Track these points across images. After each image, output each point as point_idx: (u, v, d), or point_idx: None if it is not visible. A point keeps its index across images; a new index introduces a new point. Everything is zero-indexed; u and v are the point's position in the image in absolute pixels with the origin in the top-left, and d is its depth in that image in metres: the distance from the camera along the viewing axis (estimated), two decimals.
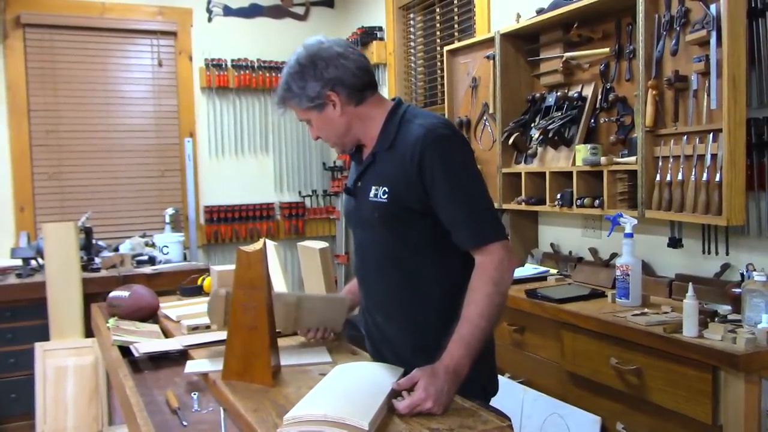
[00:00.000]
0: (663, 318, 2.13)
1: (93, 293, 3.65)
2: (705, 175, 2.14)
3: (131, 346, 2.11)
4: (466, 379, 1.48)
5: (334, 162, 5.27)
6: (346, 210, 1.83)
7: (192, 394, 1.76)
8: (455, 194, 1.55)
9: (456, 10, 4.00)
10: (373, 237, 1.71)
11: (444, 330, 1.54)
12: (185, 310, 2.51)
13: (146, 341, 2.18)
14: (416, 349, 1.67)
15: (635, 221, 2.39)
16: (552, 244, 3.21)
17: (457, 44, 3.55)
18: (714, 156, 2.12)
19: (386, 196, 1.61)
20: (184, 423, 1.61)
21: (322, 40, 1.67)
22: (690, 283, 2.01)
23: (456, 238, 1.57)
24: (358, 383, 1.54)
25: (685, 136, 2.24)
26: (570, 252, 3.09)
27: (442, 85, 3.95)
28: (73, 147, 4.59)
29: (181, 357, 2.06)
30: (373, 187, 1.65)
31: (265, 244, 1.73)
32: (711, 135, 2.12)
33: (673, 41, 2.27)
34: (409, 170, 1.57)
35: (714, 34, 2.05)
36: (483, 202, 1.58)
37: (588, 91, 2.83)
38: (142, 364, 2.12)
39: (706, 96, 2.14)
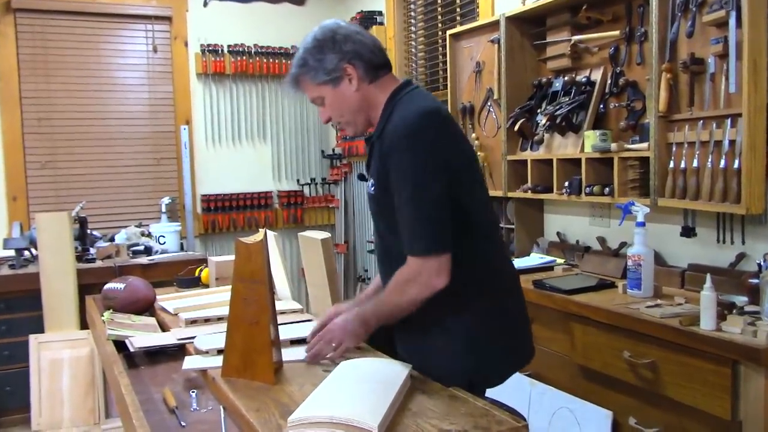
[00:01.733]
0: (678, 310, 2.06)
1: (88, 284, 3.59)
2: (722, 162, 2.06)
3: (126, 341, 2.04)
4: (450, 370, 1.55)
5: (333, 149, 5.19)
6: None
7: (191, 392, 1.69)
8: (404, 198, 1.53)
9: None
10: (378, 227, 1.74)
11: (446, 321, 1.61)
12: (183, 303, 2.43)
13: (142, 335, 2.10)
14: (421, 339, 1.67)
15: (647, 210, 2.32)
16: (558, 233, 3.13)
17: (460, 28, 3.46)
18: (732, 142, 2.04)
19: (373, 188, 1.64)
20: (183, 423, 1.54)
21: (338, 21, 1.69)
22: (708, 274, 1.93)
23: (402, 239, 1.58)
24: (365, 381, 1.47)
25: (701, 122, 2.16)
26: (577, 241, 3.02)
27: (444, 70, 3.86)
28: (67, 135, 4.48)
29: (178, 352, 1.99)
30: (370, 178, 1.68)
31: (265, 234, 1.66)
32: (729, 120, 2.04)
33: (689, 22, 2.19)
34: (383, 165, 1.57)
35: (733, 14, 1.96)
36: (425, 211, 1.52)
37: (597, 76, 2.75)
38: (138, 360, 2.05)
39: (724, 79, 2.06)
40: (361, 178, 1.79)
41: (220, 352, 1.66)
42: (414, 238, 1.54)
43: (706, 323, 1.88)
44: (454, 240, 1.55)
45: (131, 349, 1.96)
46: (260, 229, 2.32)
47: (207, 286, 2.79)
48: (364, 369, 1.56)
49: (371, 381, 1.47)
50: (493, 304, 1.65)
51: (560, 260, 2.94)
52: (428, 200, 1.52)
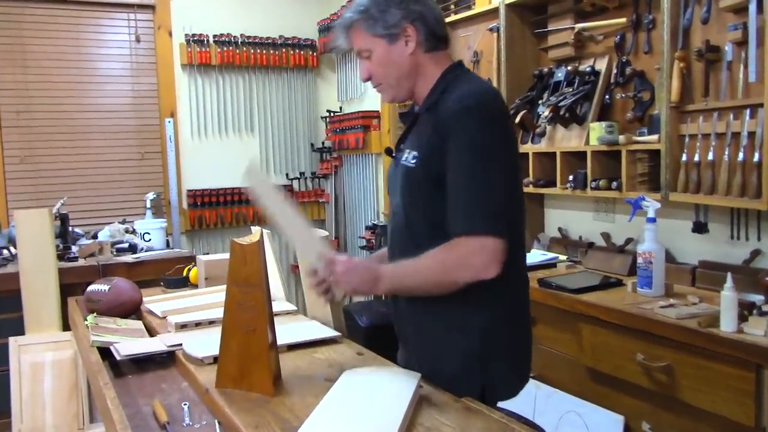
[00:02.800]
0: (694, 310, 1.96)
1: (70, 284, 3.45)
2: (741, 154, 1.96)
3: (112, 347, 1.91)
4: (462, 372, 1.48)
5: (323, 143, 5.06)
6: (387, 174, 1.74)
7: (183, 405, 1.56)
8: (466, 174, 1.42)
9: None
10: (401, 204, 1.58)
11: (465, 322, 1.51)
12: (171, 305, 2.31)
13: (129, 341, 1.97)
14: (434, 329, 1.56)
15: (658, 205, 2.22)
16: (560, 229, 3.03)
17: (456, 16, 3.34)
18: (751, 134, 1.94)
19: (415, 161, 1.51)
20: None
21: None
22: (729, 273, 1.84)
23: (450, 217, 1.45)
24: (372, 393, 1.36)
25: (717, 112, 2.06)
26: (580, 237, 2.92)
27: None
28: (47, 129, 4.31)
29: (168, 359, 1.87)
30: (407, 151, 1.55)
31: (262, 234, 1.54)
32: (748, 111, 1.95)
33: (704, 8, 2.09)
34: (439, 136, 1.45)
35: None
36: (491, 192, 1.42)
37: (602, 65, 2.65)
38: (124, 368, 1.92)
39: (742, 68, 1.96)
40: (389, 152, 1.64)
41: (216, 359, 1.54)
42: (475, 216, 1.41)
43: (727, 325, 1.79)
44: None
45: (117, 358, 1.83)
46: (254, 228, 2.21)
47: (196, 286, 2.67)
48: (370, 380, 1.45)
49: (378, 393, 1.36)
50: (513, 311, 1.55)
51: (563, 257, 2.85)
52: (497, 182, 1.42)
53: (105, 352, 1.91)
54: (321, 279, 1.48)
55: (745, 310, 1.84)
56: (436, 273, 1.44)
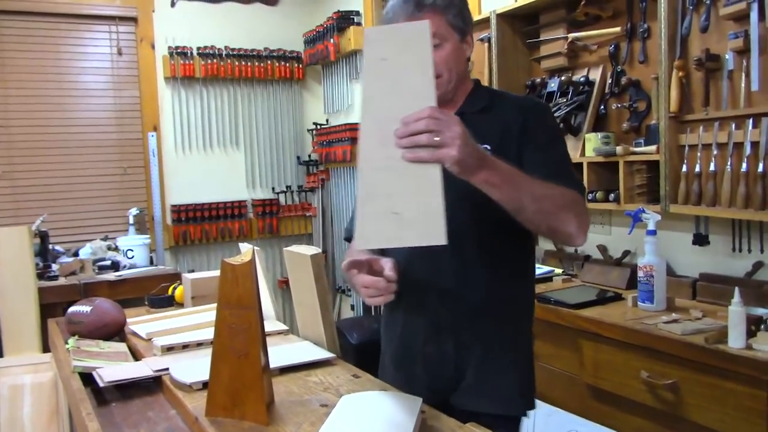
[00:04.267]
0: (699, 325, 1.91)
1: (51, 303, 3.34)
2: (744, 165, 1.92)
3: (94, 373, 1.82)
4: (507, 383, 1.50)
5: (309, 156, 4.98)
6: None
7: None
8: (560, 153, 1.50)
9: None
10: (461, 205, 1.40)
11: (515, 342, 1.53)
12: (156, 326, 2.21)
13: (112, 366, 1.88)
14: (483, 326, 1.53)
15: (659, 217, 2.17)
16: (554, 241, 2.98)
17: None
18: (754, 144, 1.90)
19: (488, 152, 1.38)
20: None
21: None
22: (736, 288, 1.78)
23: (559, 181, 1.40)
24: (373, 421, 1.29)
25: (717, 122, 2.02)
26: (576, 249, 2.87)
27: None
28: (26, 144, 4.20)
29: (154, 384, 1.78)
30: None
31: (254, 254, 1.46)
32: (751, 120, 1.90)
33: (703, 16, 2.05)
34: (512, 126, 1.48)
35: (755, 6, 1.83)
36: (571, 164, 1.52)
37: (596, 75, 2.60)
38: (108, 394, 1.82)
39: (744, 77, 1.92)
40: None
41: (205, 385, 1.46)
42: (580, 183, 1.48)
43: (735, 341, 1.73)
44: (521, 246, 1.54)
45: (100, 384, 1.74)
46: (243, 245, 2.13)
47: (182, 305, 2.58)
48: (370, 405, 1.38)
49: (380, 421, 1.29)
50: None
51: (558, 270, 2.79)
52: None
53: (87, 378, 1.81)
54: (423, 129, 1.12)
55: (752, 325, 1.79)
56: (562, 196, 1.36)
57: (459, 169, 1.15)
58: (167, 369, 1.74)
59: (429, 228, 1.13)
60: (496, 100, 1.56)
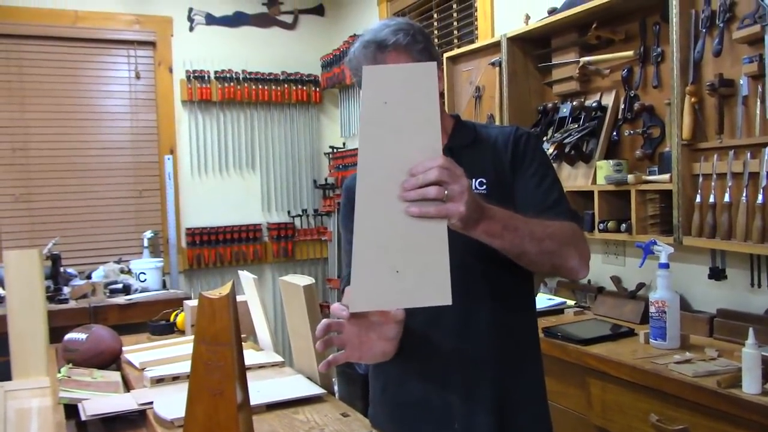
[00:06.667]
0: (713, 367, 1.79)
1: (60, 327, 3.31)
2: (760, 197, 1.81)
3: (79, 405, 1.77)
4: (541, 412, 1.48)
5: (326, 179, 4.95)
6: None
7: None
8: (551, 179, 1.45)
9: (455, 15, 3.69)
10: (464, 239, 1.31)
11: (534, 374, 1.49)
12: (152, 355, 2.17)
13: (98, 397, 1.83)
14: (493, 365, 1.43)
15: (671, 249, 2.07)
16: None
17: (458, 50, 3.24)
18: None
19: (484, 186, 1.43)
20: None
21: None
22: (750, 328, 1.67)
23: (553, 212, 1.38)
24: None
25: (732, 151, 1.92)
26: (589, 281, 2.76)
27: (442, 95, 3.64)
28: (43, 167, 4.24)
29: (140, 417, 1.73)
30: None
31: (233, 287, 1.40)
32: (766, 149, 1.80)
33: (716, 40, 1.96)
34: (502, 156, 1.46)
35: None
36: (562, 191, 1.48)
37: (608, 100, 2.52)
38: (91, 427, 1.78)
39: (759, 103, 1.82)
40: None
41: None
42: (576, 214, 1.47)
43: (750, 386, 1.62)
44: (526, 278, 1.49)
45: (83, 417, 1.69)
46: (244, 274, 2.08)
47: (183, 332, 2.53)
48: None
49: None
50: None
51: (571, 302, 2.69)
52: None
53: (75, 409, 1.78)
54: (434, 181, 1.03)
55: None
56: (562, 231, 1.31)
57: (462, 225, 1.09)
58: (152, 402, 1.69)
59: (433, 287, 1.05)
60: (482, 132, 1.53)
